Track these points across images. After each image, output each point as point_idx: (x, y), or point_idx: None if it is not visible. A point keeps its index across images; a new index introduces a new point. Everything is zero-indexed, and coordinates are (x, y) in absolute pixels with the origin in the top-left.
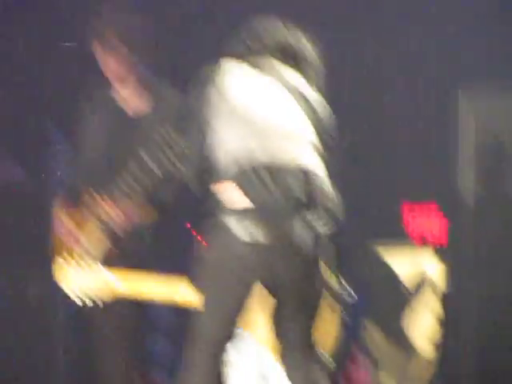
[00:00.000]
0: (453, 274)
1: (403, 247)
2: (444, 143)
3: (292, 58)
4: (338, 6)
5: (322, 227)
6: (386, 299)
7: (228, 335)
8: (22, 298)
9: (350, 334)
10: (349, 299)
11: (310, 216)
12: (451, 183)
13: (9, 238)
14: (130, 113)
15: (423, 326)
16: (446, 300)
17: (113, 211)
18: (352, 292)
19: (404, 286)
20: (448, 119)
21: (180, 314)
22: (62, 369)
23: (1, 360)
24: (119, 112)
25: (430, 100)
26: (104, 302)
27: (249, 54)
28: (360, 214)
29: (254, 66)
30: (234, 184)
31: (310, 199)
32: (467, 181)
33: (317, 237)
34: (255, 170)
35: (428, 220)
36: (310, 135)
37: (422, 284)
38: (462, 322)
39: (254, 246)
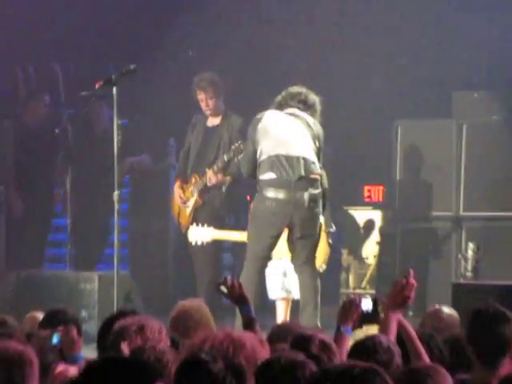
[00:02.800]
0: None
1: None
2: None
3: (306, 105)
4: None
5: (317, 191)
6: (355, 236)
7: (268, 253)
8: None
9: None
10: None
11: (309, 184)
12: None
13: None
14: (210, 125)
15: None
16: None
17: (213, 177)
18: (334, 228)
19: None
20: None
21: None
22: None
23: None
24: (204, 127)
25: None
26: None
27: (283, 105)
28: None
29: (285, 111)
30: (268, 167)
31: (309, 176)
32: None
33: (314, 196)
34: (279, 158)
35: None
36: (311, 143)
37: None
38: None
39: (277, 200)
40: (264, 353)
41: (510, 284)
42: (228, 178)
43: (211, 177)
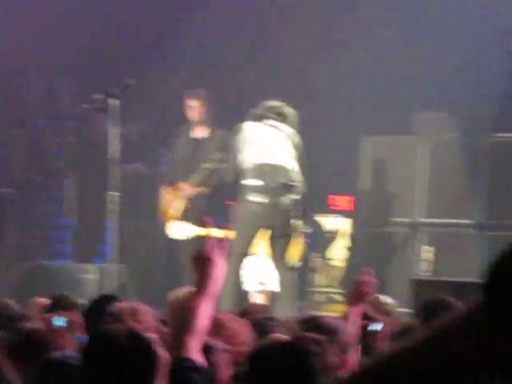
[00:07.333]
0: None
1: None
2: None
3: (283, 117)
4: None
5: (295, 196)
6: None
7: (246, 250)
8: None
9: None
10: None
11: (287, 189)
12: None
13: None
14: (196, 137)
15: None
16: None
17: (188, 188)
18: (308, 230)
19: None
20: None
21: None
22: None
23: None
24: (191, 138)
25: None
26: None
27: (262, 117)
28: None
29: (263, 122)
30: (252, 174)
31: (289, 182)
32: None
33: (293, 200)
34: (262, 166)
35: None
36: (291, 152)
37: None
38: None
39: (258, 203)
40: (243, 335)
41: (462, 280)
42: (201, 189)
43: (186, 189)
